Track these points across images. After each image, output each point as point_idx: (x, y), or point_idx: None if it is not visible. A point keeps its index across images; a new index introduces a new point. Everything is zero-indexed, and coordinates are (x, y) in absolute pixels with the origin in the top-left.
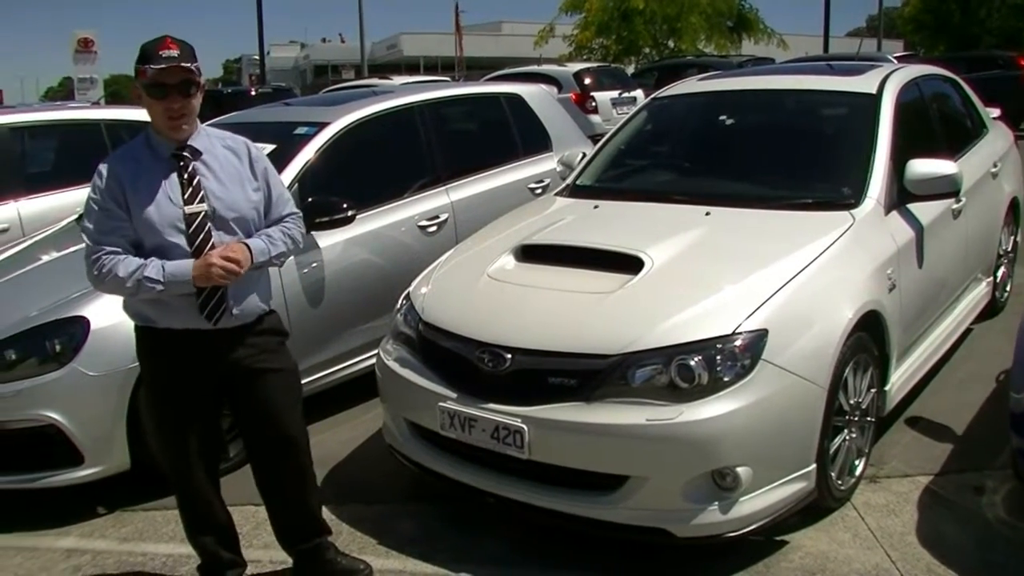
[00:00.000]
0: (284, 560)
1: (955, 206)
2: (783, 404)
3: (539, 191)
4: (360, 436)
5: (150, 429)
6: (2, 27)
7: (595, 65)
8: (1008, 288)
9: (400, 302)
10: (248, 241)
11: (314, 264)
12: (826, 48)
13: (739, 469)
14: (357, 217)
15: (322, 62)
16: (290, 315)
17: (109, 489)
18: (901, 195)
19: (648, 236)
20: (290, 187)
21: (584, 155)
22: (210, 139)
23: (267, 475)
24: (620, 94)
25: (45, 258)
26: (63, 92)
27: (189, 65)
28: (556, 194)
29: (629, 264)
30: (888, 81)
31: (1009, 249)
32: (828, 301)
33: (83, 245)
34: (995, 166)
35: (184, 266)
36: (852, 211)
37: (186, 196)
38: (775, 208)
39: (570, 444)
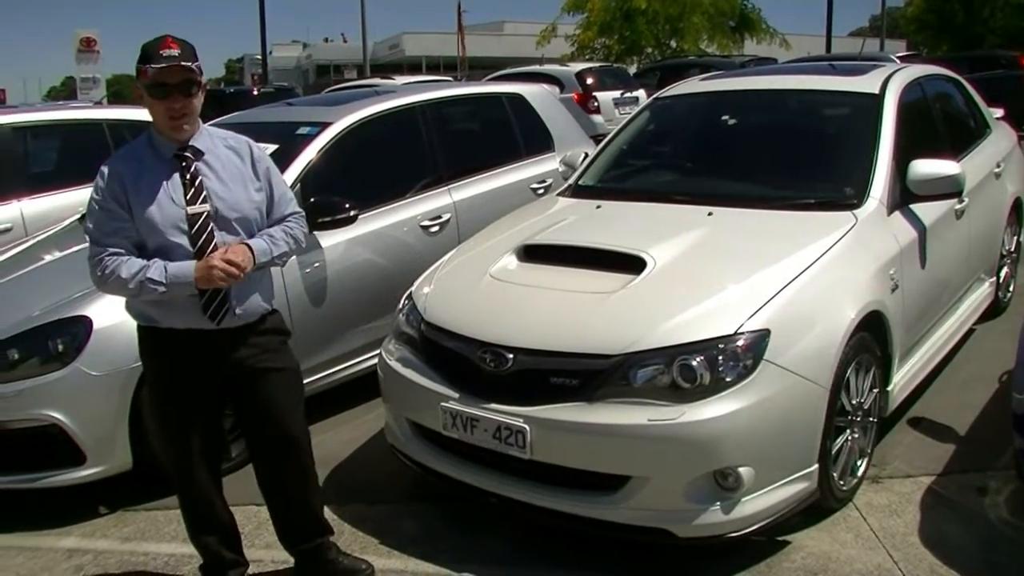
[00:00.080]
0: (286, 560)
1: (958, 206)
2: (785, 404)
3: (541, 191)
4: (362, 436)
5: (153, 429)
6: (4, 27)
7: (597, 65)
8: (1011, 288)
9: (402, 302)
10: (250, 241)
11: (316, 264)
12: (828, 48)
13: (741, 469)
14: (359, 217)
15: (324, 62)
16: (292, 315)
17: (111, 489)
18: (904, 195)
19: (650, 236)
20: (292, 187)
21: (586, 155)
22: (212, 139)
23: (269, 475)
24: (622, 94)
25: (48, 258)
26: (66, 92)
27: (190, 64)
28: (558, 194)
29: (631, 264)
30: (891, 81)
31: (1012, 249)
32: (830, 301)
33: (85, 245)
34: (998, 166)
35: (186, 268)
36: (855, 211)
37: (188, 196)
38: (777, 208)
39: (572, 444)
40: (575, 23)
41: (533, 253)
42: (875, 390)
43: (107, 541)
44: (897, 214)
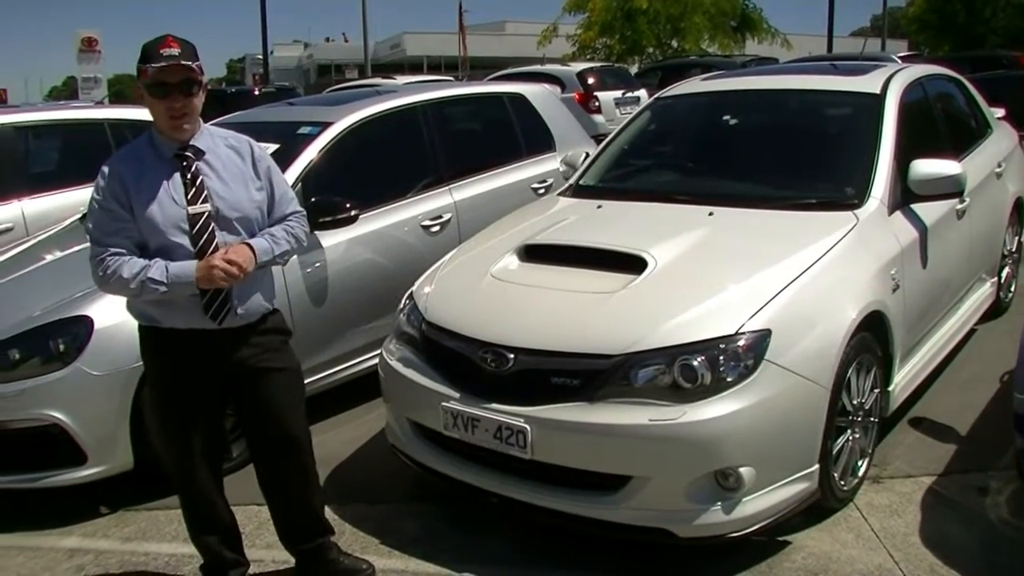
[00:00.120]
0: (287, 560)
1: (959, 206)
2: (786, 404)
3: (542, 191)
4: (363, 436)
5: (154, 429)
6: (6, 26)
7: (598, 65)
8: (1012, 289)
9: (403, 302)
10: (251, 241)
11: (317, 264)
12: (830, 48)
13: (742, 469)
14: (360, 217)
15: (326, 61)
16: (293, 315)
17: (112, 489)
18: (905, 195)
19: (651, 236)
20: (293, 187)
21: (587, 155)
22: (213, 139)
23: (270, 474)
24: (623, 94)
25: (49, 257)
26: (67, 91)
27: (190, 63)
28: (559, 194)
29: (632, 264)
30: (892, 81)
31: (1013, 249)
32: (832, 301)
33: (86, 245)
34: (999, 166)
35: (187, 268)
36: (856, 211)
37: (189, 196)
38: (778, 208)
39: (573, 444)
40: (576, 23)
41: (534, 253)
42: (876, 390)
43: (108, 541)
44: (898, 214)
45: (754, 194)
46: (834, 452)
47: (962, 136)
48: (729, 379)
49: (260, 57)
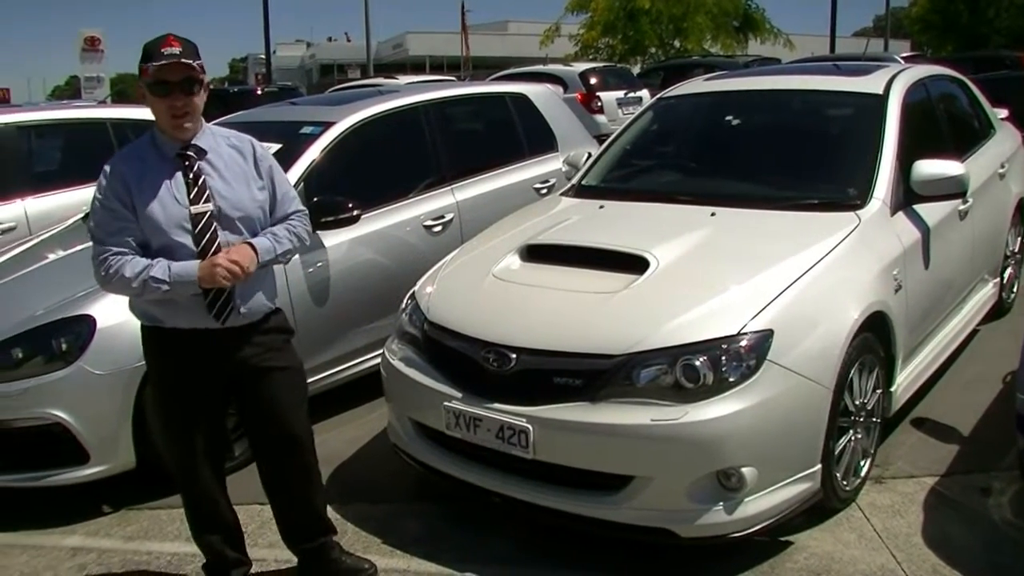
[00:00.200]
0: (289, 559)
1: (962, 207)
2: (788, 405)
3: (544, 191)
4: (365, 435)
5: (157, 428)
6: (9, 26)
7: (601, 65)
8: (1015, 289)
9: (405, 302)
10: (254, 240)
11: (319, 263)
12: (832, 48)
13: (744, 469)
14: (362, 217)
15: (328, 61)
16: (295, 314)
17: (114, 488)
18: (907, 196)
19: (653, 236)
20: (296, 186)
21: (589, 155)
22: (215, 138)
23: (272, 473)
24: (626, 94)
25: (51, 257)
26: (70, 91)
27: (191, 62)
28: (561, 194)
29: (634, 264)
30: (895, 81)
31: (1016, 250)
32: (834, 302)
33: (89, 244)
34: (1002, 167)
35: (190, 267)
36: (858, 212)
37: (192, 196)
38: (781, 208)
39: (575, 444)
40: (579, 23)
41: (536, 253)
42: (878, 391)
43: (110, 540)
44: (901, 215)
45: (756, 194)
46: (836, 452)
47: (965, 137)
48: (731, 379)
49: (263, 57)
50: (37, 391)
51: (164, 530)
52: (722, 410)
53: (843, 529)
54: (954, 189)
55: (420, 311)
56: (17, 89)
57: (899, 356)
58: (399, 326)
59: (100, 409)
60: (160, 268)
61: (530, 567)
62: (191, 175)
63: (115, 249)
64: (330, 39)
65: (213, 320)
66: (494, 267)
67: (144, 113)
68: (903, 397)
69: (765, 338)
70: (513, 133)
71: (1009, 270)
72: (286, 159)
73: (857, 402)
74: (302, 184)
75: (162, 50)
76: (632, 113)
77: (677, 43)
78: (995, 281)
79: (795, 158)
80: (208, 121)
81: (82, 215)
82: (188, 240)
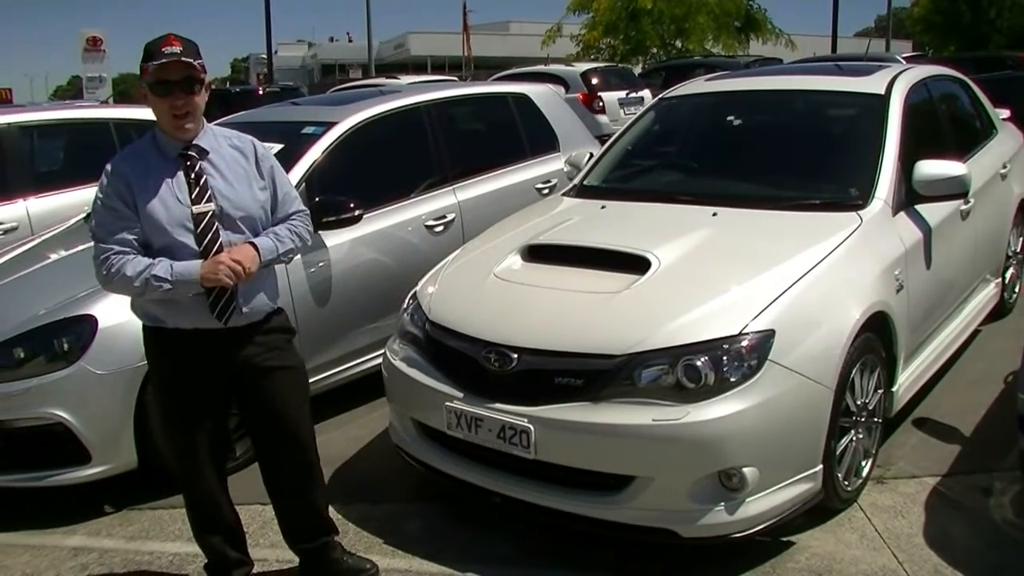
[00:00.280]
0: (291, 559)
1: (964, 207)
2: (790, 405)
3: (546, 191)
4: (367, 435)
5: (158, 428)
6: (11, 26)
7: (602, 65)
8: (1016, 290)
9: (407, 302)
10: (256, 240)
11: (321, 263)
12: (834, 48)
13: (745, 470)
14: (364, 217)
15: (330, 61)
16: (297, 314)
17: (116, 488)
18: (909, 196)
19: (655, 236)
20: (297, 187)
21: (591, 155)
22: (216, 138)
23: (274, 473)
24: (627, 94)
25: (53, 257)
26: (72, 91)
27: (192, 61)
28: (563, 194)
29: (636, 264)
30: (897, 82)
31: (1018, 250)
32: (835, 302)
33: (91, 244)
34: (1004, 167)
35: (192, 266)
36: (860, 212)
37: (193, 196)
38: (782, 209)
39: (576, 444)
40: (580, 23)
41: (538, 253)
42: (880, 391)
43: (112, 540)
44: (902, 215)
45: (758, 194)
46: (838, 453)
47: (967, 137)
48: (733, 379)
49: (264, 57)
50: (39, 391)
51: (166, 530)
52: (724, 410)
53: (845, 529)
54: (956, 189)
55: (422, 311)
56: (19, 89)
57: (901, 356)
58: (400, 326)
59: (102, 409)
60: (162, 267)
61: (531, 567)
62: (193, 175)
63: (117, 248)
64: (332, 39)
65: (215, 320)
66: (496, 267)
67: (146, 113)
68: (905, 397)
69: (767, 338)
70: (515, 133)
71: (1011, 270)
72: (288, 159)
73: (859, 402)
74: (304, 184)
75: (163, 49)
76: (634, 113)
77: (679, 43)
78: (997, 281)
79: (797, 158)
80: (210, 121)
81: (84, 215)
82: (190, 240)
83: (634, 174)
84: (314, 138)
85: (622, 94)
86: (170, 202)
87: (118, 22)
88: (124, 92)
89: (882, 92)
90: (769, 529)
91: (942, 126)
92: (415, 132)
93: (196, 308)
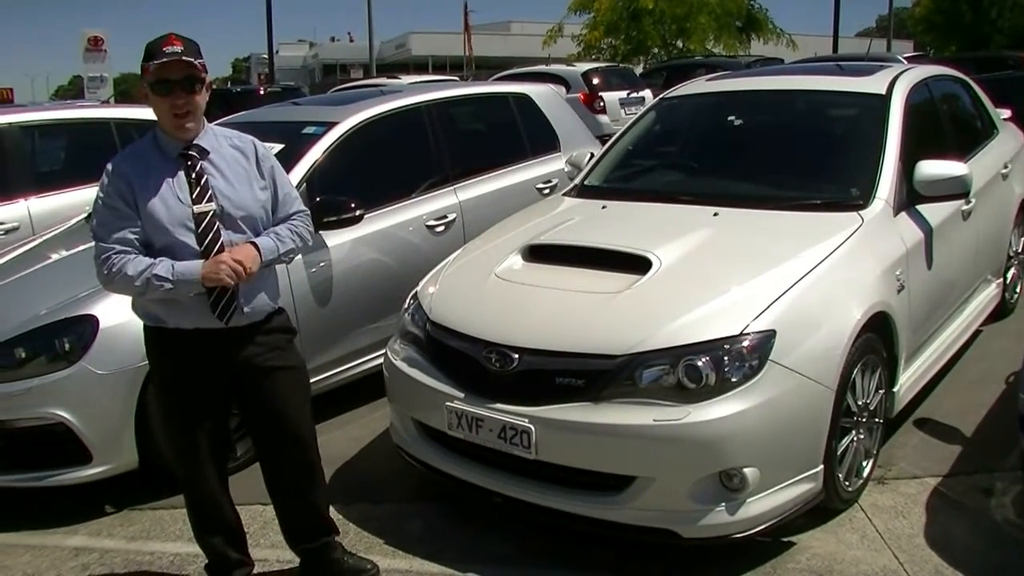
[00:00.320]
0: (291, 559)
1: (965, 207)
2: (791, 405)
3: (547, 191)
4: (367, 435)
5: (159, 428)
6: (12, 25)
7: (603, 65)
8: (1018, 290)
9: (408, 302)
10: (257, 240)
11: (322, 263)
12: (835, 48)
13: (746, 470)
14: (365, 217)
15: (331, 61)
16: (298, 314)
17: (117, 488)
18: (910, 196)
19: (656, 236)
20: (298, 187)
21: (592, 155)
22: (217, 138)
23: (275, 473)
24: (628, 94)
25: (54, 256)
26: (73, 91)
27: (192, 60)
28: (564, 194)
29: (637, 264)
30: (898, 82)
31: (1019, 250)
32: (836, 302)
33: (92, 244)
34: (1005, 167)
35: (193, 266)
36: (861, 212)
37: (194, 195)
38: (783, 209)
39: (577, 444)
40: (581, 23)
41: (538, 253)
42: (881, 391)
43: (113, 540)
44: (903, 215)
45: (759, 195)
46: (839, 453)
47: (968, 137)
48: (734, 379)
49: (265, 57)
50: (40, 391)
51: (167, 530)
52: (724, 410)
53: (845, 530)
54: (957, 189)
55: (422, 311)
56: (20, 89)
57: (902, 356)
58: (401, 326)
59: (103, 409)
60: (163, 267)
61: (531, 567)
62: (193, 175)
63: (118, 248)
64: (333, 39)
65: (216, 320)
66: (496, 267)
67: (147, 113)
68: (906, 397)
69: (768, 338)
70: (516, 133)
71: (1012, 270)
72: (289, 159)
73: (860, 402)
74: (305, 184)
75: (164, 48)
76: (635, 113)
77: (680, 43)
78: (998, 282)
79: (798, 158)
80: (210, 121)
81: (85, 215)
82: (191, 239)
83: (635, 174)
84: (315, 138)
85: (623, 94)
86: (171, 202)
87: (119, 22)
88: (125, 92)
89: (883, 92)
90: (770, 529)
91: (943, 126)
92: (416, 132)
93: (197, 308)
